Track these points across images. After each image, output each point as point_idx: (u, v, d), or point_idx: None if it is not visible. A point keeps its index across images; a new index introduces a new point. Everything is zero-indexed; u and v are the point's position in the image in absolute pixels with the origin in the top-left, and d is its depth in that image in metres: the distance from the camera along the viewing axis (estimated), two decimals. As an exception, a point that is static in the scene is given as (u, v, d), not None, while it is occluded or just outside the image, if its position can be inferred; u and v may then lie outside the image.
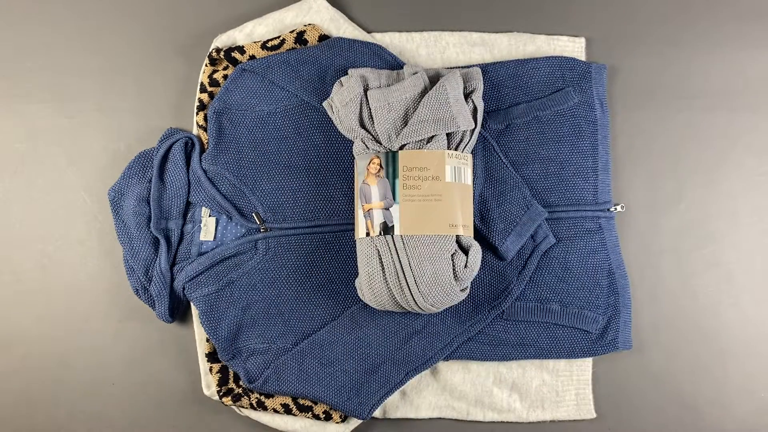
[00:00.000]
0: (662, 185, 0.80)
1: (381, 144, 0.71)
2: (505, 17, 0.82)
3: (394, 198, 0.69)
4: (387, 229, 0.69)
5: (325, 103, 0.74)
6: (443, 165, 0.70)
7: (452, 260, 0.69)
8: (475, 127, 0.72)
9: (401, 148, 0.70)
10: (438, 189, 0.69)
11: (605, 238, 0.76)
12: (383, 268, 0.69)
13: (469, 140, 0.72)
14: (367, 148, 0.71)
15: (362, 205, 0.71)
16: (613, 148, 0.80)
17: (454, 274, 0.69)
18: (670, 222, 0.80)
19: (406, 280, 0.68)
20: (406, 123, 0.71)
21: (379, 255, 0.70)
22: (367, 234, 0.70)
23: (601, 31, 0.82)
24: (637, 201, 0.80)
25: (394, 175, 0.70)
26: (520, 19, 0.82)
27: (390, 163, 0.70)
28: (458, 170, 0.71)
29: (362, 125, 0.72)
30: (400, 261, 0.68)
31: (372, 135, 0.72)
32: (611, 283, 0.76)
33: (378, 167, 0.70)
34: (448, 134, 0.71)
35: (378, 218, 0.69)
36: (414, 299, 0.69)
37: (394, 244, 0.69)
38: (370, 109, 0.71)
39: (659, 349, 0.78)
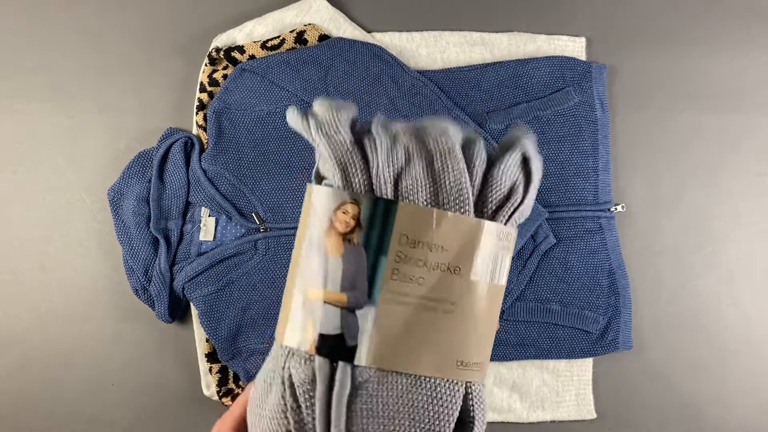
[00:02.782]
0: (662, 185, 0.80)
1: (368, 184, 0.39)
2: (505, 17, 0.82)
3: (370, 291, 0.38)
4: (338, 349, 0.37)
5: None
6: (473, 249, 0.39)
7: None
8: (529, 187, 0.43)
9: (397, 198, 0.39)
10: (454, 290, 0.39)
11: (605, 238, 0.76)
12: (299, 427, 0.37)
13: (522, 200, 0.41)
14: (346, 184, 0.39)
15: (304, 287, 0.39)
16: (614, 148, 0.80)
17: None
18: (670, 222, 0.79)
19: None
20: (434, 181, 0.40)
21: (295, 399, 0.37)
22: (298, 348, 0.38)
23: (602, 30, 0.82)
24: (638, 201, 0.80)
25: (380, 248, 0.38)
26: (521, 18, 0.82)
27: (377, 222, 0.38)
28: (496, 261, 0.40)
29: (359, 142, 0.40)
30: (344, 423, 0.37)
31: (365, 163, 0.39)
32: (611, 283, 0.76)
33: (352, 222, 0.38)
34: (481, 191, 0.40)
35: (327, 322, 0.37)
36: None
37: (345, 385, 0.37)
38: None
39: (659, 349, 0.78)
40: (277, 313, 0.62)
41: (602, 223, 0.76)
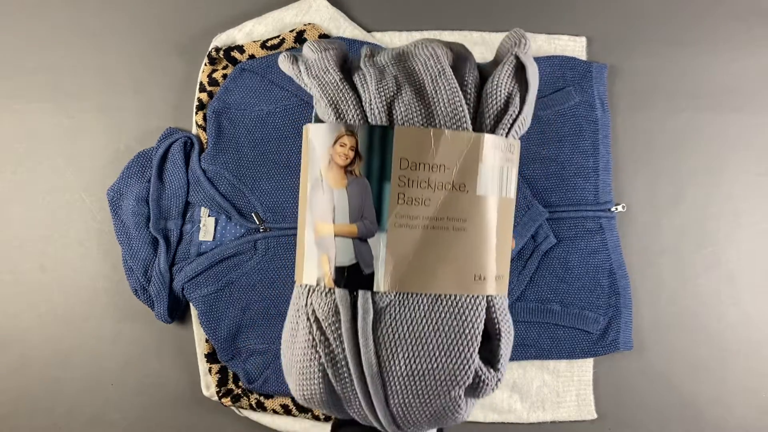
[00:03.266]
0: (663, 185, 0.80)
1: (362, 118, 0.40)
2: (505, 17, 0.82)
3: (378, 218, 0.39)
4: (355, 278, 0.39)
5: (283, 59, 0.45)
6: (476, 163, 0.40)
7: (469, 354, 0.39)
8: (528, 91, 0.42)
9: (392, 123, 0.40)
10: (463, 207, 0.39)
11: (606, 238, 0.76)
12: (331, 358, 0.39)
13: (521, 110, 0.42)
14: (338, 118, 0.40)
15: (314, 224, 0.40)
16: (614, 148, 0.80)
17: (471, 385, 0.40)
18: (670, 222, 0.79)
19: (370, 387, 0.39)
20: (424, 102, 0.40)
21: (323, 332, 0.39)
22: (318, 283, 0.40)
23: (602, 30, 0.82)
24: (638, 201, 0.80)
25: (382, 175, 0.39)
26: (521, 18, 0.82)
27: (375, 149, 0.39)
28: (502, 174, 0.41)
29: (349, 80, 0.42)
30: (373, 349, 0.38)
31: (356, 98, 0.41)
32: (612, 284, 0.75)
33: (351, 153, 0.39)
34: (477, 105, 0.41)
35: (341, 254, 0.39)
36: (380, 422, 0.40)
37: (368, 311, 0.39)
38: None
39: (660, 349, 0.78)
40: (277, 314, 0.66)
41: (603, 223, 0.76)
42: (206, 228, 0.77)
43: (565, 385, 0.77)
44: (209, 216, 0.77)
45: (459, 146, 0.39)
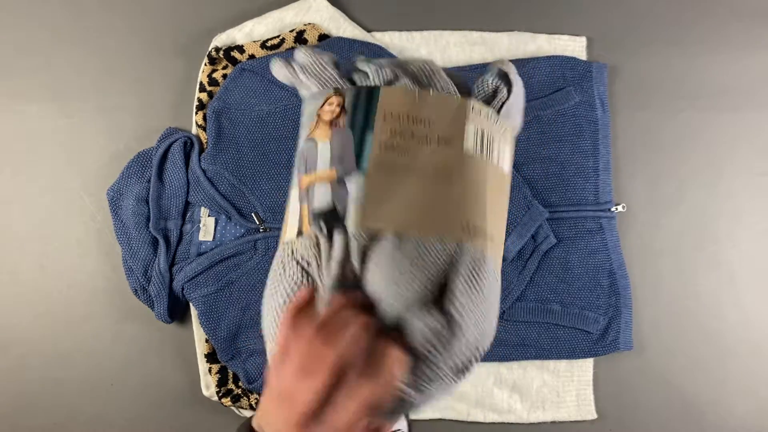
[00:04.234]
0: (663, 185, 0.80)
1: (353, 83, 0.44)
2: (505, 16, 0.82)
3: (358, 162, 0.40)
4: (333, 220, 0.39)
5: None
6: (462, 122, 0.41)
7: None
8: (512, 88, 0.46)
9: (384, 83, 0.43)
10: (447, 160, 0.40)
11: (606, 238, 0.76)
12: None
13: (507, 98, 0.44)
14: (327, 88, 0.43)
15: (299, 179, 0.43)
16: (614, 148, 0.80)
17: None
18: (670, 222, 0.79)
19: None
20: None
21: (308, 275, 0.40)
22: (300, 233, 0.41)
23: (602, 30, 0.81)
24: (638, 201, 0.79)
25: (365, 125, 0.40)
26: (521, 18, 0.82)
27: (361, 105, 0.41)
28: (488, 140, 0.42)
29: (348, 78, 0.45)
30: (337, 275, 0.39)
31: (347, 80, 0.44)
32: (612, 284, 0.75)
33: (338, 109, 0.41)
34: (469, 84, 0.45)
35: (320, 199, 0.40)
36: None
37: (346, 250, 0.39)
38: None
39: (660, 349, 0.78)
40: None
41: (603, 223, 0.76)
42: (206, 228, 0.77)
43: (565, 385, 0.77)
44: (209, 216, 0.77)
45: (446, 105, 0.41)
